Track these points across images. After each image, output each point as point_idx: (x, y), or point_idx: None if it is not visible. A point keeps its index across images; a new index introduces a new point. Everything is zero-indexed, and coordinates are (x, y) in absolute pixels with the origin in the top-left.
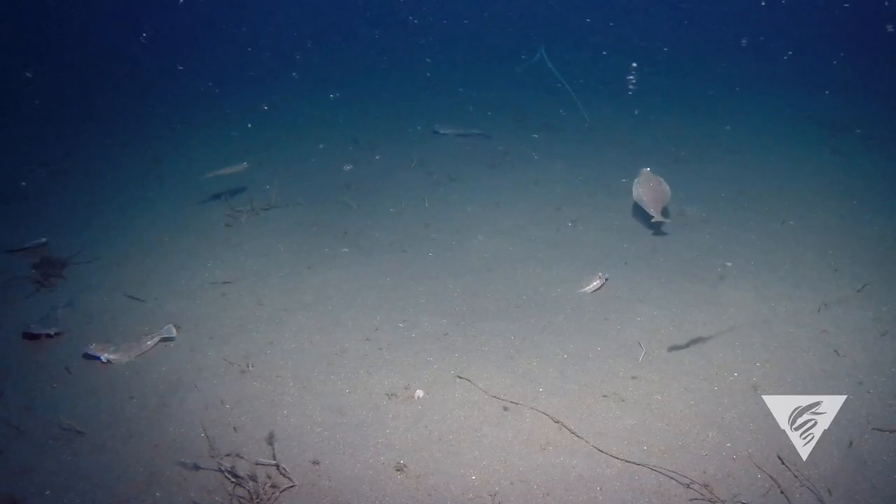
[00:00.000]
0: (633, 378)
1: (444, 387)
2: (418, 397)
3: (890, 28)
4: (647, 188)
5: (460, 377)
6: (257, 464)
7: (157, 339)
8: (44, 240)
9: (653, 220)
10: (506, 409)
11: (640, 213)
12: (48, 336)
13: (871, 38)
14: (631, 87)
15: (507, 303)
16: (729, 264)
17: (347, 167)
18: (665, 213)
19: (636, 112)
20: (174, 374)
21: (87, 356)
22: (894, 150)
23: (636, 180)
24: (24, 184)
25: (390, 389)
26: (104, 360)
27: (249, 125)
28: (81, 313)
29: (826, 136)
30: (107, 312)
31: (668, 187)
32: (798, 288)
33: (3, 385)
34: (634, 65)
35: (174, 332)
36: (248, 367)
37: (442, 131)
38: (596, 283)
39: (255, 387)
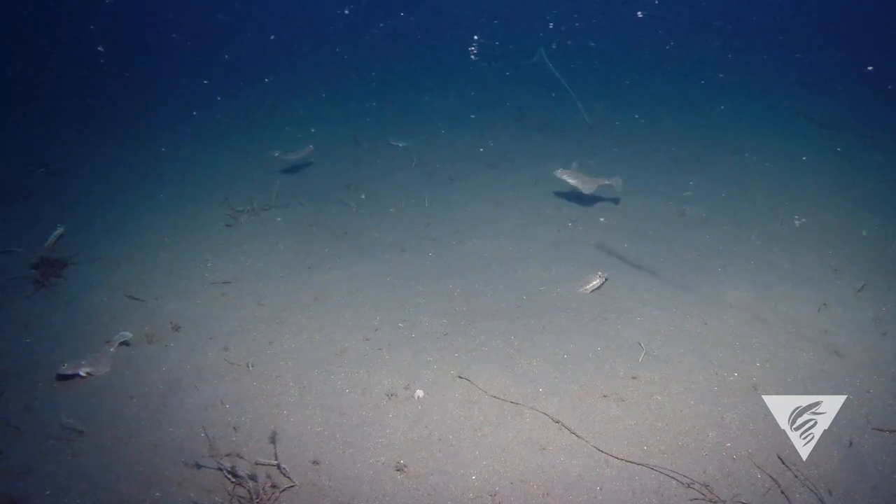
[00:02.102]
0: (633, 378)
1: (444, 387)
2: (418, 397)
3: (640, 14)
4: (580, 177)
5: (460, 377)
6: (257, 464)
7: (116, 344)
8: (61, 229)
9: (617, 188)
10: (505, 409)
11: (639, 212)
12: None
13: (871, 37)
14: (473, 56)
15: (507, 303)
16: (720, 269)
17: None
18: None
19: (636, 112)
20: (174, 374)
21: (62, 376)
22: (894, 150)
23: (572, 182)
24: (23, 184)
25: (390, 389)
26: (83, 374)
27: (249, 121)
28: (81, 313)
29: (826, 136)
30: (107, 312)
31: (587, 174)
32: (798, 288)
33: (3, 385)
34: (476, 37)
35: (129, 336)
36: (248, 367)
37: (401, 144)
38: (596, 283)
39: (255, 387)
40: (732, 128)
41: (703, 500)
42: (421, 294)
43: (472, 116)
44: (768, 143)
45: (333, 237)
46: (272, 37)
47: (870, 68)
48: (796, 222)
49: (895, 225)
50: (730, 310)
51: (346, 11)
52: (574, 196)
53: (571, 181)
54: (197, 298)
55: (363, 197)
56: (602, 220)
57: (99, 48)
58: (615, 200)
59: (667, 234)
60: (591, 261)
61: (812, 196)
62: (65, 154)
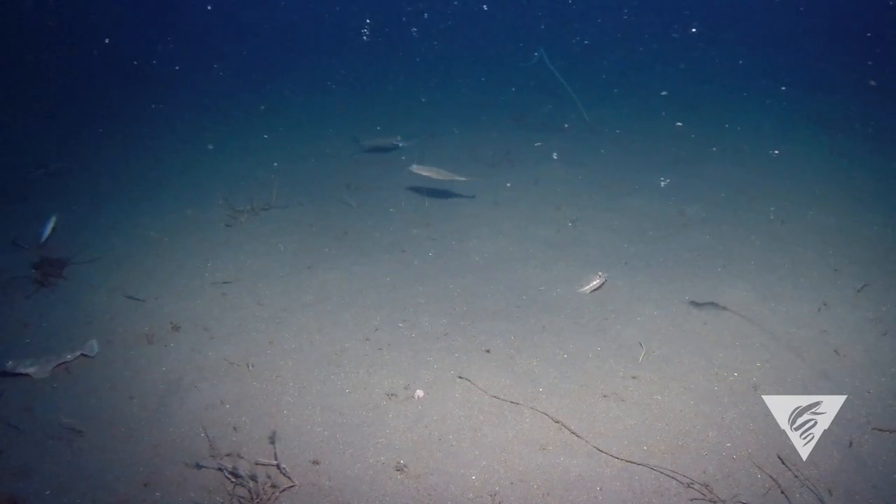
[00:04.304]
0: (633, 378)
1: (444, 387)
2: (418, 397)
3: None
4: (433, 170)
5: (461, 377)
6: (257, 464)
7: (77, 354)
8: (54, 219)
9: (463, 180)
10: (505, 409)
11: (638, 212)
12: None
13: (871, 38)
14: (365, 37)
15: (506, 303)
16: (720, 269)
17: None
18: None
19: (637, 112)
20: (174, 374)
21: (4, 373)
22: (894, 150)
23: (425, 174)
24: (23, 184)
25: (390, 389)
26: (21, 373)
27: (249, 123)
28: (81, 313)
29: (826, 136)
30: (107, 312)
31: (440, 168)
32: (798, 288)
33: (3, 385)
34: (368, 21)
35: (96, 349)
36: (248, 367)
37: (402, 144)
38: (595, 283)
39: (256, 387)
40: (732, 128)
41: (703, 500)
42: (421, 294)
43: (472, 116)
44: (768, 142)
45: (333, 237)
46: (271, 37)
47: (693, 30)
48: (662, 183)
49: (895, 225)
50: (730, 310)
51: (209, 7)
52: (574, 196)
53: (425, 173)
54: (197, 298)
55: (363, 197)
56: (603, 219)
57: (105, 40)
58: (617, 202)
59: (667, 234)
60: (592, 261)
61: (812, 196)
62: (65, 154)
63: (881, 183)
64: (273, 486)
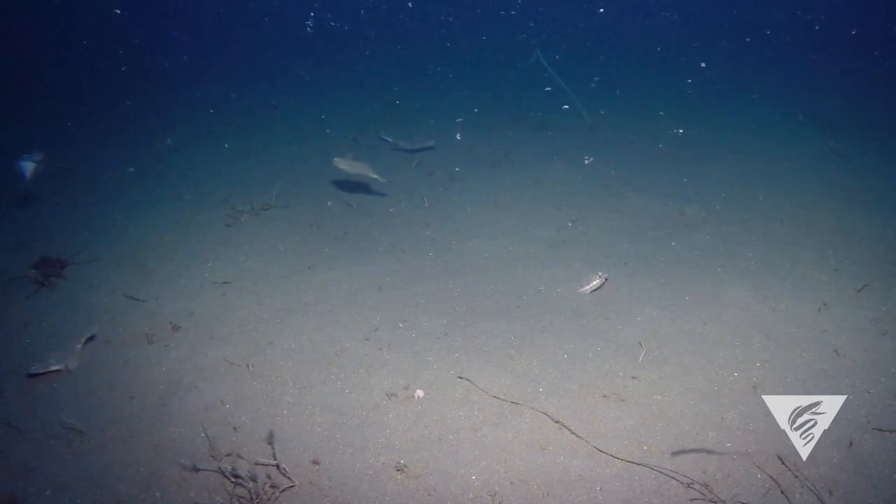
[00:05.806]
0: (633, 378)
1: (444, 387)
2: (418, 397)
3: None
4: (352, 164)
5: (461, 377)
6: (257, 464)
7: (83, 339)
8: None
9: (376, 177)
10: (505, 409)
11: (639, 212)
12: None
13: (873, 39)
14: (309, 29)
15: (506, 303)
16: (720, 269)
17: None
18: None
19: (637, 113)
20: (174, 374)
21: (32, 375)
22: (893, 151)
23: (343, 168)
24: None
25: (390, 389)
26: (53, 370)
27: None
28: (81, 313)
29: (826, 136)
30: (107, 312)
31: (361, 162)
32: (798, 288)
33: (3, 385)
34: (311, 14)
35: (95, 329)
36: (248, 367)
37: (402, 144)
38: (596, 283)
39: (255, 387)
40: (732, 128)
41: (703, 500)
42: (421, 294)
43: (472, 117)
44: (768, 143)
45: (333, 237)
46: (263, 38)
47: (703, 65)
48: (586, 161)
49: (895, 225)
50: (730, 310)
51: None
52: (574, 196)
53: (344, 167)
54: (197, 298)
55: (363, 197)
56: (603, 219)
57: (115, 12)
58: (617, 202)
59: (667, 234)
60: (592, 261)
61: (812, 196)
62: (65, 154)
63: (881, 183)
64: (273, 486)
